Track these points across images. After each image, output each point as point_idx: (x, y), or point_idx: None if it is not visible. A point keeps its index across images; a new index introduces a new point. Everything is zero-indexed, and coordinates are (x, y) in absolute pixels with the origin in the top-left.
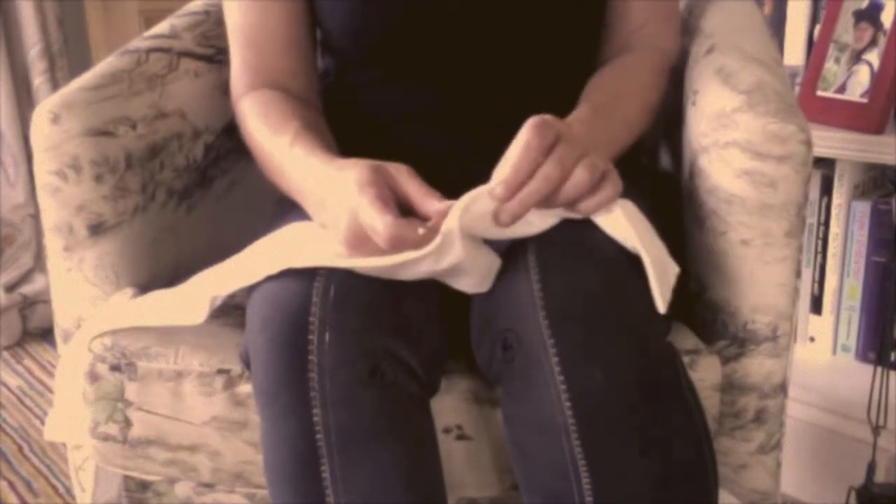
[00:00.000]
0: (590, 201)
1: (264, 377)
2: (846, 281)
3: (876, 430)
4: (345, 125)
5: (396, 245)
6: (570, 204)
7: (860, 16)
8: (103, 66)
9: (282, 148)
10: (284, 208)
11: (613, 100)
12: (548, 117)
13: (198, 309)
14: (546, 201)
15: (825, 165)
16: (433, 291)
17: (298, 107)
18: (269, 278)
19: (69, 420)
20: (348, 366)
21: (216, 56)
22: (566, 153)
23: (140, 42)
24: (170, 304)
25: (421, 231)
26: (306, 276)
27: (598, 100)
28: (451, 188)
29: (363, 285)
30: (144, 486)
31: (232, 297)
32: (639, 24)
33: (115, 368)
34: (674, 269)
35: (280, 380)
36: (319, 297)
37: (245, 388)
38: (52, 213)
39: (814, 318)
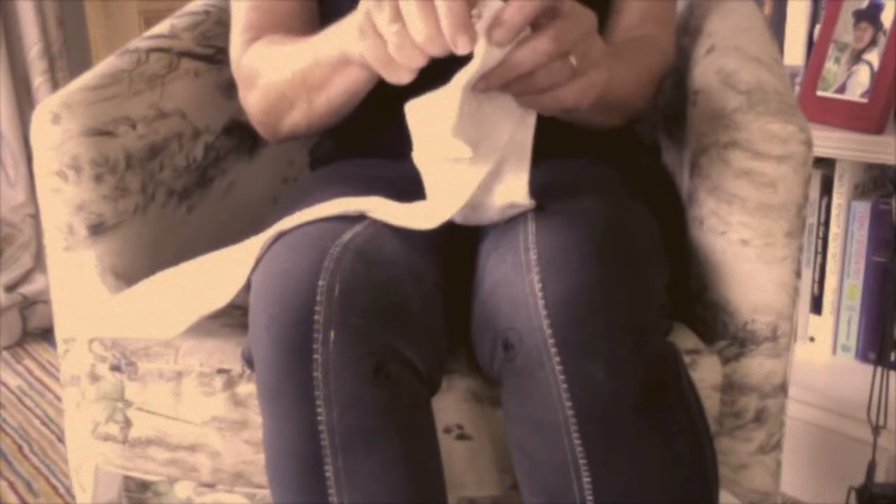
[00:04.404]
0: (553, 92)
1: (268, 375)
2: (846, 281)
3: (876, 430)
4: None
5: None
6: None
7: (860, 16)
8: (103, 66)
9: (308, 42)
10: (285, 208)
11: (614, 53)
12: None
13: (175, 324)
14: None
15: (825, 165)
16: (436, 289)
17: None
18: (272, 274)
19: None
20: (353, 364)
21: (216, 56)
22: (562, 34)
23: (140, 42)
24: (151, 311)
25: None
26: (310, 274)
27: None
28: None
29: (367, 284)
30: (144, 486)
31: None
32: (634, 23)
33: (115, 368)
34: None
35: (284, 378)
36: (324, 296)
37: (245, 388)
38: (52, 213)
39: (814, 318)
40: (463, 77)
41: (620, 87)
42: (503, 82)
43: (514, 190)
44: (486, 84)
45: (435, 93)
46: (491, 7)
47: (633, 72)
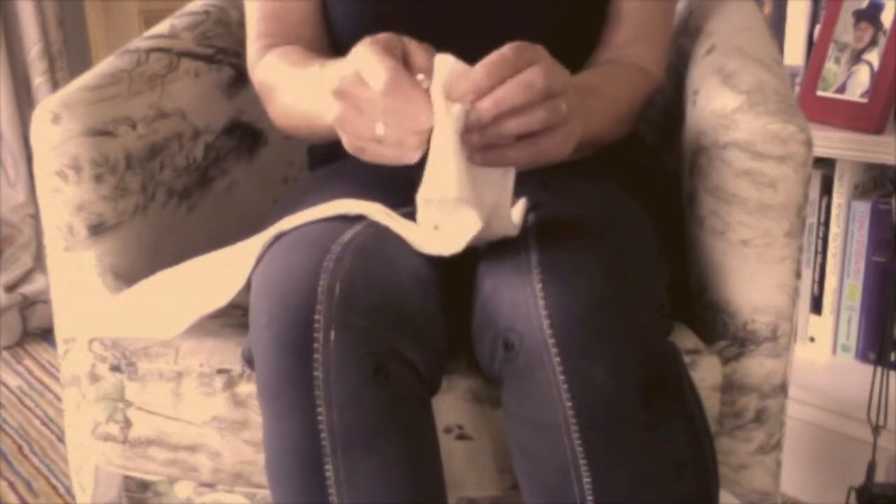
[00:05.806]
0: (531, 147)
1: (268, 375)
2: (846, 281)
3: (876, 430)
4: None
5: (393, 91)
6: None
7: (860, 16)
8: (103, 66)
9: (312, 72)
10: (285, 208)
11: (592, 90)
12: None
13: (175, 324)
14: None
15: (825, 165)
16: (436, 289)
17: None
18: (272, 273)
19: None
20: (354, 364)
21: (216, 56)
22: (551, 72)
23: (140, 42)
24: (151, 311)
25: (424, 85)
26: (311, 274)
27: (582, 82)
28: None
29: (368, 284)
30: (144, 486)
31: None
32: (626, 41)
33: (115, 368)
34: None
35: (284, 378)
36: (324, 296)
37: (245, 388)
38: (52, 213)
39: (814, 318)
40: (446, 144)
41: (598, 126)
42: (494, 121)
43: (506, 230)
44: (481, 137)
45: (430, 172)
46: (444, 65)
47: (612, 108)
